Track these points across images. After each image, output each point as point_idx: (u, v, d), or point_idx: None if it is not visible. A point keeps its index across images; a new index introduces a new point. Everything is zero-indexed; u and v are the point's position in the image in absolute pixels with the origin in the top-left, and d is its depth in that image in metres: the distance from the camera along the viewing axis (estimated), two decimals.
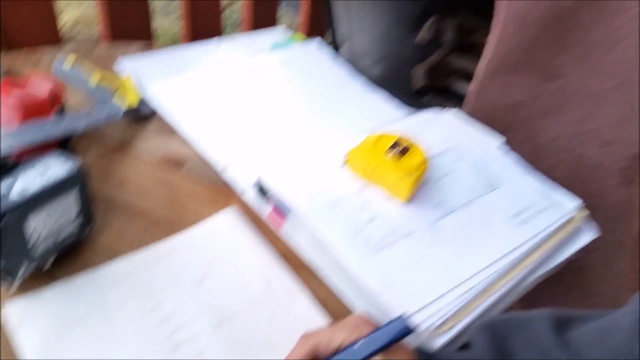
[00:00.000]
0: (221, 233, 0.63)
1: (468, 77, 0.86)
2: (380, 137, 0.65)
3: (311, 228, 0.61)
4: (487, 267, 0.60)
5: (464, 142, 0.75)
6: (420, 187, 0.66)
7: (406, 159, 0.63)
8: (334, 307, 0.58)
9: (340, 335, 0.45)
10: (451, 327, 0.55)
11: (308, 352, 0.46)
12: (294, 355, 0.46)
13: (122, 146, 0.73)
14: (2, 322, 0.51)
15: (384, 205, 0.65)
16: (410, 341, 0.49)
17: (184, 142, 0.72)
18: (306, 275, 0.61)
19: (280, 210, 0.64)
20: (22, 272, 0.52)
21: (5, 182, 0.51)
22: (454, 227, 0.64)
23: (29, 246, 0.52)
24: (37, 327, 0.51)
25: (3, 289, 0.53)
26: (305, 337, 0.47)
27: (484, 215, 0.66)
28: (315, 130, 0.76)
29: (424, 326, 0.54)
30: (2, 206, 0.48)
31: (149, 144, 0.73)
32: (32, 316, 0.52)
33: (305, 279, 0.60)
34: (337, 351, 0.45)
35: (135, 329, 0.53)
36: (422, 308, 0.55)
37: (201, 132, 0.73)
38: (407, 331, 0.45)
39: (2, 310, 0.52)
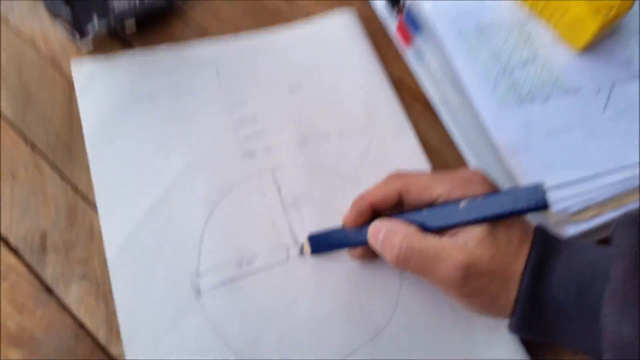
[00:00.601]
0: (331, 37, 0.51)
1: None
2: None
3: (446, 54, 0.47)
4: None
5: None
6: (607, 35, 0.48)
7: None
8: (444, 158, 0.46)
9: (441, 187, 0.34)
10: (592, 216, 0.42)
11: (395, 191, 0.35)
12: (378, 189, 0.36)
13: None
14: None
15: (549, 48, 0.48)
16: (532, 219, 0.36)
17: None
18: (420, 112, 0.48)
19: (411, 26, 0.50)
20: (92, 29, 0.44)
21: None
22: (636, 96, 0.47)
23: None
24: (103, 94, 0.44)
25: (74, 45, 0.46)
26: (396, 175, 0.37)
27: None
28: None
29: (559, 206, 0.41)
30: None
31: None
32: (100, 81, 0.45)
33: (416, 117, 0.48)
34: (432, 204, 0.34)
35: (208, 123, 0.44)
36: (563, 185, 0.42)
37: None
38: (539, 205, 0.33)
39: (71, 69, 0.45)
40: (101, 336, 0.35)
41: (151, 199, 0.40)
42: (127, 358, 0.34)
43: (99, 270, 0.37)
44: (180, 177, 0.41)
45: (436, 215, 0.34)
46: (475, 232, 0.32)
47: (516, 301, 0.32)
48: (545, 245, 0.33)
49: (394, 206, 0.36)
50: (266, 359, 0.36)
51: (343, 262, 0.39)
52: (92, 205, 0.40)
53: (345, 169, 0.44)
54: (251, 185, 0.42)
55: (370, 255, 0.38)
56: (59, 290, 0.36)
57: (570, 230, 0.41)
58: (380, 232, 0.34)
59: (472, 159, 0.46)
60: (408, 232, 0.33)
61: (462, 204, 0.33)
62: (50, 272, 0.37)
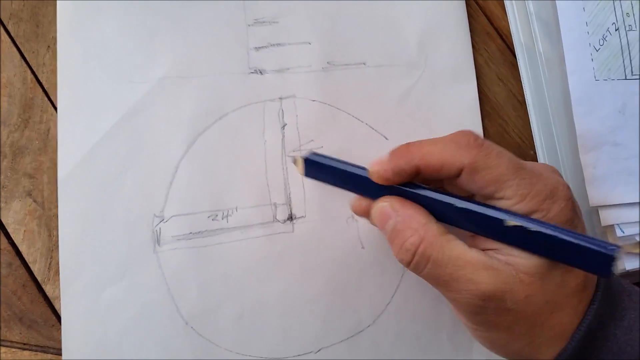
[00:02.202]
0: None
1: None
2: None
3: None
4: None
5: None
6: None
7: None
8: (503, 123, 0.36)
9: (514, 189, 0.25)
10: None
11: (459, 165, 0.25)
12: (438, 150, 0.26)
13: None
14: None
15: None
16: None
17: None
18: (492, 54, 0.37)
19: None
20: None
21: None
22: None
23: None
24: None
25: None
26: (468, 138, 0.25)
27: None
28: None
29: (626, 231, 0.32)
30: None
31: None
32: None
33: (486, 59, 0.36)
34: (488, 201, 0.25)
35: (214, 14, 0.34)
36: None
37: None
38: (601, 274, 0.24)
39: None
40: (37, 270, 0.30)
41: (122, 108, 0.32)
42: (62, 303, 0.30)
43: (48, 189, 0.31)
44: (163, 85, 0.33)
45: (479, 217, 0.25)
46: (524, 261, 0.24)
47: None
48: (607, 305, 0.25)
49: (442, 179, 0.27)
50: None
51: (338, 242, 0.32)
52: (54, 104, 0.32)
53: (374, 115, 0.34)
54: (250, 115, 0.33)
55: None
56: None
57: (629, 264, 0.32)
58: (390, 218, 0.26)
59: (538, 135, 0.35)
60: (427, 234, 0.25)
61: (510, 223, 0.24)
62: None
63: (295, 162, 0.29)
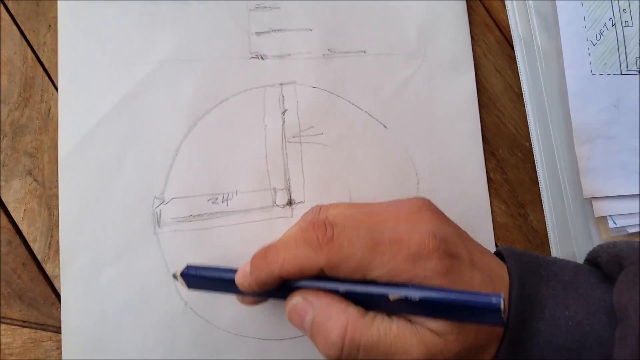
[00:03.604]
0: None
1: None
2: None
3: None
4: None
5: None
6: None
7: None
8: (500, 115, 0.36)
9: (381, 268, 0.24)
10: None
11: (315, 267, 0.25)
12: (292, 256, 0.25)
13: None
14: None
15: None
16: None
17: None
18: (490, 45, 0.37)
19: None
20: None
21: None
22: None
23: None
24: None
25: None
26: (316, 232, 0.25)
27: None
28: None
29: (619, 223, 0.33)
30: None
31: None
32: None
33: (484, 51, 0.37)
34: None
35: None
36: (632, 197, 0.33)
37: None
38: (494, 324, 0.23)
39: None
40: (37, 249, 0.31)
41: (123, 90, 0.32)
42: (62, 282, 0.30)
43: (48, 168, 0.31)
44: (163, 67, 0.33)
45: (367, 296, 0.24)
46: (438, 323, 0.24)
47: None
48: (525, 302, 0.25)
49: None
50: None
51: None
52: (54, 84, 0.32)
53: (373, 104, 0.35)
54: (251, 100, 0.33)
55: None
56: None
57: None
58: (307, 313, 0.25)
59: (534, 127, 0.36)
60: (349, 320, 0.24)
61: (393, 296, 0.24)
62: None
63: (176, 277, 0.28)
